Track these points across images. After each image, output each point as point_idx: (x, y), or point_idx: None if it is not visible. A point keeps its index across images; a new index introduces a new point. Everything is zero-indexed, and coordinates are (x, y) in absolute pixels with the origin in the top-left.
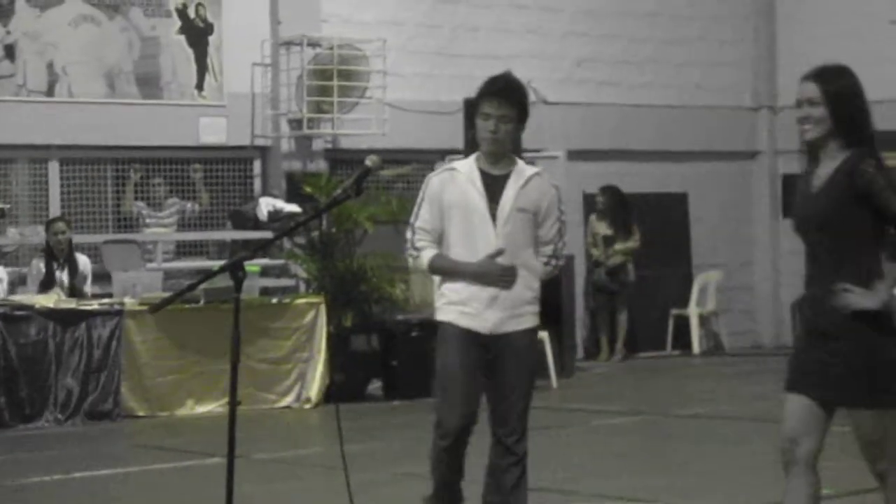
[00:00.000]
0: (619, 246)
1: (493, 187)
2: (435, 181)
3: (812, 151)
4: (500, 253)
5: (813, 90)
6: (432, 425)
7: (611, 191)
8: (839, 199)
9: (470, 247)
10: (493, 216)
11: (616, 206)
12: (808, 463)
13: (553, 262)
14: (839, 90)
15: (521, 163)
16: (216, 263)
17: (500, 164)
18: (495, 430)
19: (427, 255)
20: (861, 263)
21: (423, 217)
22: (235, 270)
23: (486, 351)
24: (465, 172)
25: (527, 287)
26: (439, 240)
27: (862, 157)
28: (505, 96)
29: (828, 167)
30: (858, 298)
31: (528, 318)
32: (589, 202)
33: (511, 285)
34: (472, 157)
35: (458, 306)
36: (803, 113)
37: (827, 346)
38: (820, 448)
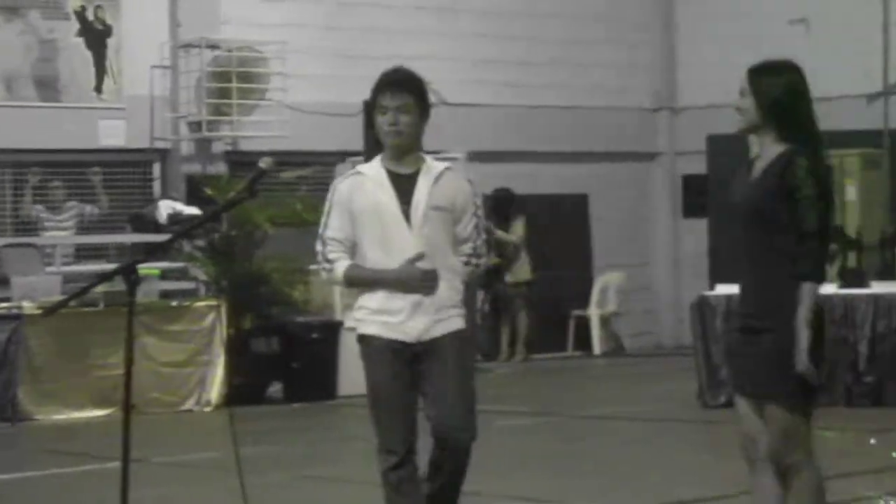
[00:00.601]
0: (506, 236)
1: (404, 187)
2: (342, 188)
3: (754, 142)
4: (419, 257)
5: (744, 81)
6: (375, 450)
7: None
8: (770, 191)
9: (386, 253)
10: (408, 218)
11: (503, 208)
12: (768, 458)
13: (473, 261)
14: (767, 83)
15: (429, 159)
16: (114, 267)
17: (407, 161)
18: (437, 439)
19: (341, 266)
20: (787, 256)
21: (332, 226)
22: (129, 274)
23: (417, 361)
24: (372, 175)
25: (451, 289)
26: (352, 249)
27: (795, 156)
28: (400, 86)
29: (764, 159)
30: (801, 350)
31: (455, 321)
32: (488, 204)
33: (434, 290)
34: (377, 159)
35: (381, 316)
36: (736, 104)
37: (750, 340)
38: None
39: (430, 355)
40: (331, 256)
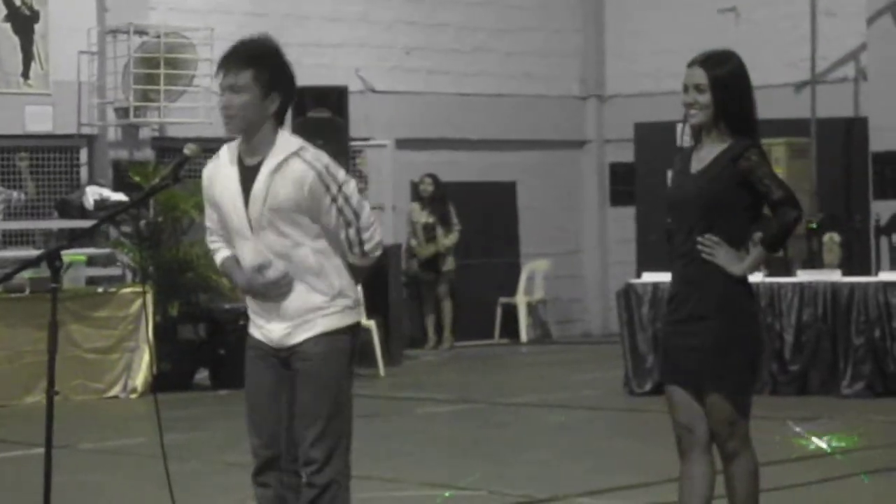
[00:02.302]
0: (446, 241)
1: (248, 182)
2: (204, 175)
3: (696, 134)
4: (262, 266)
5: (700, 76)
6: None
7: (434, 179)
8: (721, 181)
9: (238, 253)
10: (249, 220)
11: (438, 195)
12: (704, 447)
13: (357, 249)
14: (725, 77)
15: (279, 141)
16: (39, 253)
17: (254, 148)
18: (293, 458)
19: (219, 257)
20: (731, 245)
21: (207, 215)
22: (52, 260)
23: (286, 366)
24: (226, 164)
25: (312, 291)
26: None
27: (747, 146)
28: (232, 62)
29: (711, 150)
30: (725, 258)
31: (319, 323)
32: (414, 191)
33: (283, 296)
34: (236, 144)
35: (253, 316)
36: (690, 98)
37: (688, 328)
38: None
39: (293, 363)
40: (212, 245)
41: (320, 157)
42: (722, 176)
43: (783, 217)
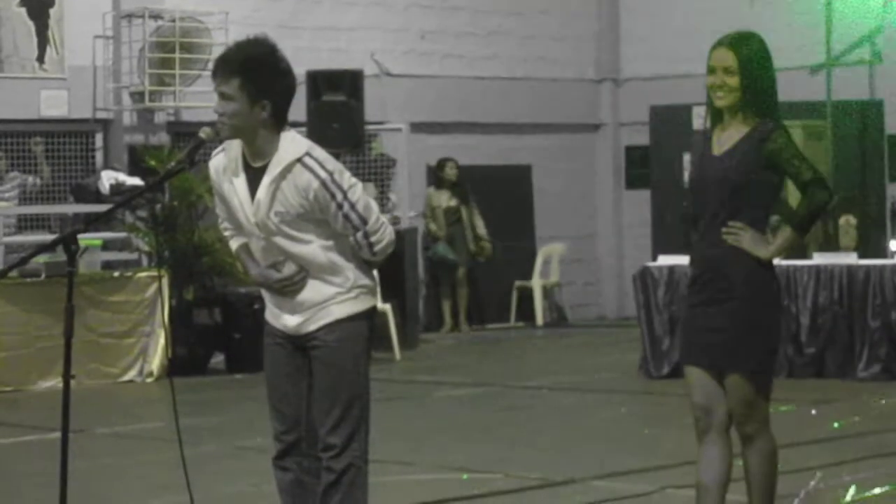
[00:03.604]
0: (481, 230)
1: (254, 183)
2: (211, 167)
3: (719, 115)
4: (276, 263)
5: (729, 58)
6: None
7: (454, 163)
8: (746, 163)
9: (252, 246)
10: (257, 224)
11: (461, 179)
12: (721, 429)
13: (366, 251)
14: (753, 58)
15: (283, 144)
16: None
17: (257, 152)
18: (312, 443)
19: (234, 244)
20: (760, 227)
21: (218, 205)
22: (68, 244)
23: (303, 353)
24: (233, 160)
25: (325, 284)
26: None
27: (774, 128)
28: (222, 69)
29: (735, 132)
30: (752, 242)
31: (334, 310)
32: (432, 175)
33: (297, 291)
34: (238, 142)
35: (269, 304)
36: (717, 80)
37: (712, 310)
38: (728, 413)
39: (310, 350)
40: (225, 233)
41: (325, 164)
42: (748, 158)
43: (813, 198)
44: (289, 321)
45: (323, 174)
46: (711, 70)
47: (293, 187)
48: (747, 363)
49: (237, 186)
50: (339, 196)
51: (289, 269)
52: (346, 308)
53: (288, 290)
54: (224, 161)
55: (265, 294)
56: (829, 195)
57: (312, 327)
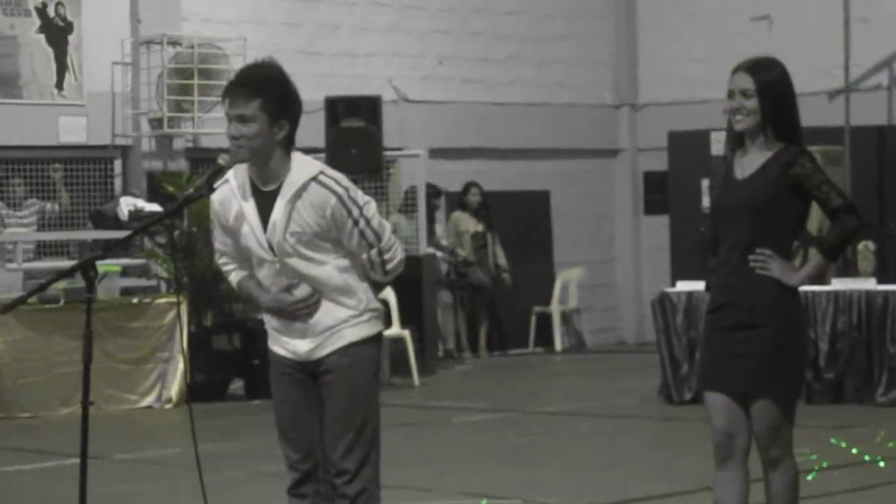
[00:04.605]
0: (502, 260)
1: (265, 208)
2: (215, 200)
3: (739, 140)
4: (290, 286)
5: (747, 81)
6: None
7: (479, 188)
8: (770, 188)
9: (260, 275)
10: (271, 245)
11: (485, 204)
12: (742, 455)
13: (378, 270)
14: (772, 82)
15: (296, 165)
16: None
17: (268, 175)
18: (326, 469)
19: (234, 278)
20: (777, 253)
21: (217, 238)
22: (87, 270)
23: (314, 380)
24: (238, 189)
25: (338, 307)
26: (243, 257)
27: (800, 153)
28: (240, 90)
29: (758, 157)
30: (780, 270)
31: (346, 334)
32: (452, 200)
33: (311, 315)
34: (244, 167)
35: (275, 333)
36: (735, 104)
37: (738, 336)
38: (750, 440)
39: (322, 375)
40: (224, 267)
41: (340, 181)
42: (772, 183)
43: (843, 225)
44: (299, 347)
45: (339, 190)
46: (730, 94)
47: (309, 206)
48: (774, 388)
49: (247, 211)
50: (356, 212)
51: (302, 291)
52: (359, 331)
53: (301, 312)
54: (228, 190)
55: (269, 322)
56: (859, 221)
57: (324, 352)
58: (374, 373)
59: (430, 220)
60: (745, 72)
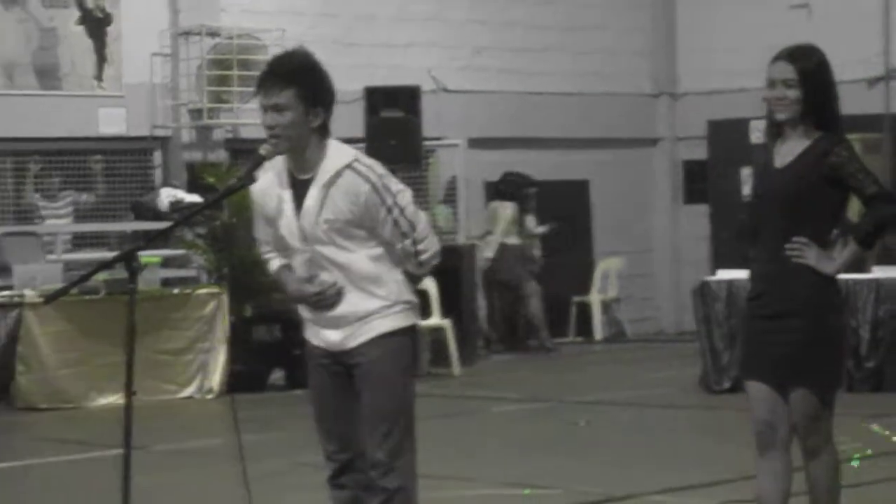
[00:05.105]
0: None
1: (301, 196)
2: (255, 190)
3: (778, 129)
4: (311, 278)
5: (789, 71)
6: None
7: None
8: (808, 177)
9: (295, 263)
10: (303, 231)
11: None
12: (784, 444)
13: (413, 260)
14: (813, 71)
15: (331, 153)
16: (115, 254)
17: (305, 163)
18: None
19: (273, 266)
20: (815, 241)
21: (258, 227)
22: (129, 261)
23: (348, 370)
24: (276, 178)
25: (368, 297)
26: (284, 246)
27: (837, 141)
28: (273, 81)
29: (797, 145)
30: (817, 258)
31: (376, 325)
32: (490, 190)
33: (332, 306)
34: (282, 158)
35: (309, 323)
36: (777, 93)
37: (776, 325)
38: (792, 429)
39: (354, 366)
40: (265, 256)
41: (374, 168)
42: (810, 171)
43: (878, 212)
44: (331, 336)
45: (373, 177)
46: (771, 83)
47: (342, 193)
48: (813, 378)
49: (284, 200)
50: (389, 200)
51: (323, 279)
52: (390, 323)
53: (322, 303)
54: (268, 180)
55: (303, 313)
56: (894, 209)
57: (355, 343)
58: (406, 365)
59: (523, 211)
60: (787, 61)
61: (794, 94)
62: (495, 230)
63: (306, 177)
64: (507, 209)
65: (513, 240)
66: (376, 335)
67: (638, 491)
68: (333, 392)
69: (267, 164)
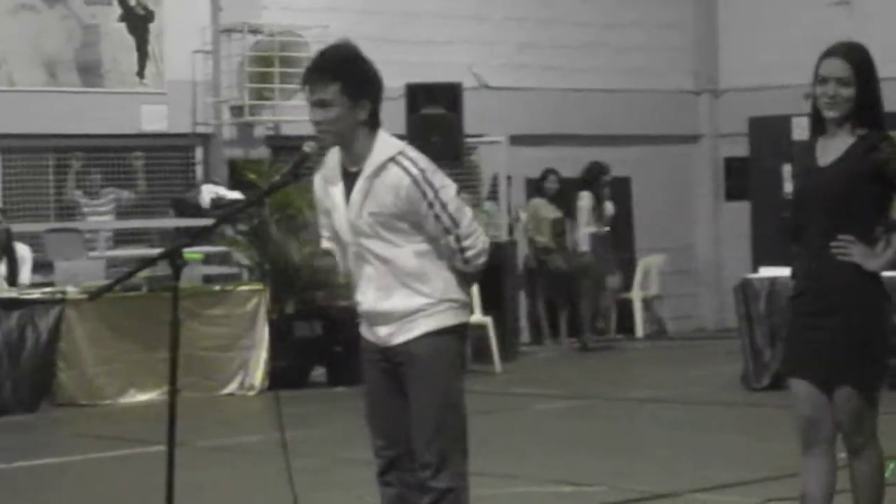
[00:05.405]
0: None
1: (350, 188)
2: (315, 182)
3: (818, 126)
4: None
5: (844, 68)
6: None
7: (557, 175)
8: (853, 174)
9: (347, 255)
10: (351, 225)
11: (562, 191)
12: (828, 442)
13: (458, 257)
14: (866, 69)
15: (378, 145)
16: (158, 251)
17: (354, 156)
18: (412, 459)
19: (327, 244)
20: (860, 239)
21: (322, 223)
22: (174, 258)
23: (395, 366)
24: (332, 169)
25: (413, 294)
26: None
27: (882, 138)
28: (317, 77)
29: (842, 143)
30: (861, 255)
31: (422, 324)
32: (532, 187)
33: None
34: (337, 151)
35: (363, 318)
36: (831, 91)
37: (819, 322)
38: (835, 427)
39: (401, 364)
40: (324, 247)
41: (417, 162)
42: (855, 169)
43: None
44: (380, 332)
45: (414, 171)
46: (823, 80)
47: (386, 186)
48: (855, 375)
49: (335, 193)
50: (431, 194)
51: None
52: (435, 322)
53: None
54: (326, 173)
55: (359, 307)
56: None
57: (401, 339)
58: (452, 364)
59: (599, 200)
60: (841, 58)
61: (847, 92)
62: (541, 228)
63: (355, 169)
64: (584, 199)
65: (592, 228)
66: (421, 333)
67: (680, 488)
68: (382, 388)
69: (327, 157)
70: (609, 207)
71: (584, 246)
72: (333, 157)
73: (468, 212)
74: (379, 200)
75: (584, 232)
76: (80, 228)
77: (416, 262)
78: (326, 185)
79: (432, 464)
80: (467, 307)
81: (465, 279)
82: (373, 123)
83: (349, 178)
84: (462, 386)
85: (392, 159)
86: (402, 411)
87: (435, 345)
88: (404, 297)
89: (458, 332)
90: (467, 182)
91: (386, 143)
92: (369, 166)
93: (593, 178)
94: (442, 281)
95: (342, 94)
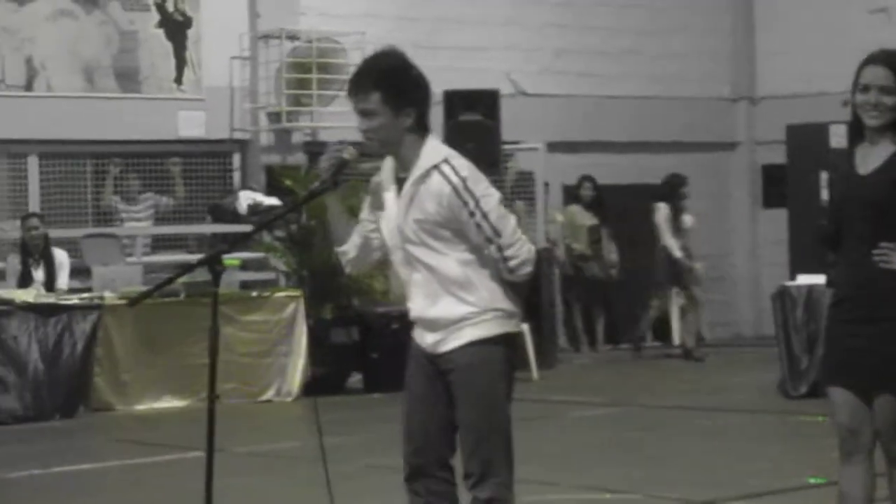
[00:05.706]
0: (613, 255)
1: (399, 194)
2: (371, 186)
3: (856, 134)
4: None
5: (888, 77)
6: None
7: (593, 182)
8: (892, 183)
9: (394, 262)
10: (399, 231)
11: (598, 198)
12: (869, 451)
13: (502, 266)
14: None
15: (425, 152)
16: (196, 257)
17: (402, 162)
18: (440, 468)
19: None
20: None
21: (362, 217)
22: (213, 264)
23: (441, 374)
24: (386, 174)
25: (458, 302)
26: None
27: None
28: (360, 86)
29: (882, 151)
30: None
31: (467, 332)
32: (569, 193)
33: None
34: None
35: (414, 321)
36: (873, 99)
37: (859, 330)
38: (875, 435)
39: (446, 372)
40: (339, 250)
41: (460, 171)
42: (894, 178)
43: None
44: (427, 338)
45: (455, 180)
46: (864, 88)
47: (429, 193)
48: (895, 384)
49: (387, 198)
50: (472, 204)
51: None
52: (480, 331)
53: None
54: (380, 178)
55: (410, 314)
56: None
57: (446, 348)
58: (497, 374)
59: (677, 211)
60: (884, 66)
61: (890, 100)
62: (577, 236)
63: (405, 175)
64: (661, 210)
65: (676, 241)
66: (466, 343)
67: (717, 496)
68: (421, 393)
69: (385, 163)
70: (687, 220)
71: (678, 253)
72: (388, 161)
73: (511, 221)
74: (423, 208)
75: (671, 243)
76: (118, 234)
77: (460, 271)
78: (382, 192)
79: (475, 473)
80: (515, 317)
81: (513, 289)
82: (421, 130)
83: (400, 184)
84: (508, 395)
85: (436, 167)
86: (436, 421)
87: (480, 354)
88: (450, 304)
89: (505, 342)
90: (522, 193)
91: (433, 150)
92: (415, 173)
93: (672, 189)
94: (487, 290)
95: (384, 103)
